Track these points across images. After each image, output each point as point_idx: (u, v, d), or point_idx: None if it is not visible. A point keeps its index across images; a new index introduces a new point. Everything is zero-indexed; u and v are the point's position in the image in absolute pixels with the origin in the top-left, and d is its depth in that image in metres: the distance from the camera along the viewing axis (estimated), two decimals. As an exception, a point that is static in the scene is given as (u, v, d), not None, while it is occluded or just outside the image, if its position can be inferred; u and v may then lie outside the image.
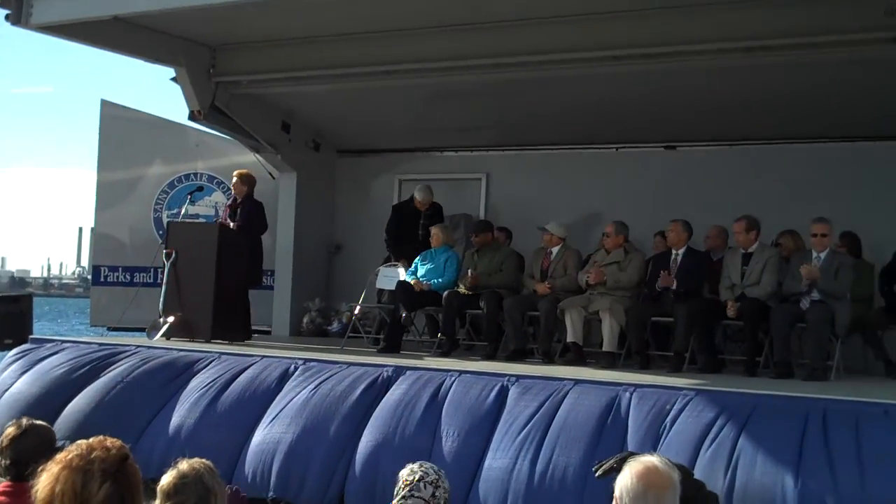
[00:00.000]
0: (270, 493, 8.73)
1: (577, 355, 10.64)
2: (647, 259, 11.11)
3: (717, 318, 10.29)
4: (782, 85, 11.59)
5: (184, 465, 4.00)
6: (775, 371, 9.67)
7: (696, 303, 10.24)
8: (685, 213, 11.18)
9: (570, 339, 10.70)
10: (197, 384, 9.73)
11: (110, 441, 3.13)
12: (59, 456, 3.08)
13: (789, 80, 11.50)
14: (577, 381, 8.61)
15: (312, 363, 9.69)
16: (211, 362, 10.09)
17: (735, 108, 12.15)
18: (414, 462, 4.73)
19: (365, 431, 8.67)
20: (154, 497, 4.02)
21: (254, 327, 13.55)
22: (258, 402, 9.32)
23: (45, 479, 3.03)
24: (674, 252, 10.71)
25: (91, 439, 3.13)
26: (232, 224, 12.34)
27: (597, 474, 4.63)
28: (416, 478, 4.41)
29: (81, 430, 9.31)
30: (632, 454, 4.28)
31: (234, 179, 12.63)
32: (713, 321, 10.33)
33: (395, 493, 4.54)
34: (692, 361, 10.18)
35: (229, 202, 12.58)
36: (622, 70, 11.71)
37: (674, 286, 10.39)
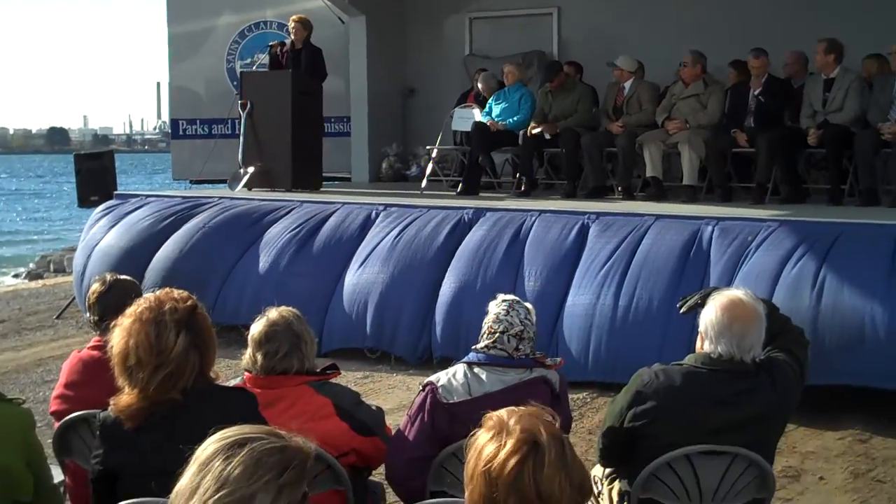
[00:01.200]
0: (366, 344, 8.91)
1: (657, 190, 10.55)
2: (725, 89, 10.85)
3: (800, 147, 10.08)
4: None
5: (273, 313, 4.08)
6: (860, 199, 9.49)
7: (777, 132, 10.02)
8: (762, 41, 10.83)
9: (649, 173, 10.59)
10: (280, 230, 9.86)
11: (177, 293, 3.17)
12: (129, 310, 3.12)
13: None
14: (657, 216, 8.58)
15: (394, 208, 9.75)
16: (292, 210, 10.20)
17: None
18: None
19: (447, 275, 8.77)
20: (244, 343, 4.12)
21: (332, 174, 13.61)
22: (343, 248, 9.43)
23: (119, 333, 3.08)
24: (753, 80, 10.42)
25: (158, 292, 3.17)
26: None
27: (681, 310, 4.61)
28: (501, 329, 4.42)
29: (169, 276, 9.57)
30: (716, 289, 4.25)
31: (294, 24, 12.33)
32: (795, 150, 10.13)
33: (480, 337, 4.57)
34: (775, 192, 10.03)
35: (286, 48, 12.38)
36: None
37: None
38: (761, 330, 3.94)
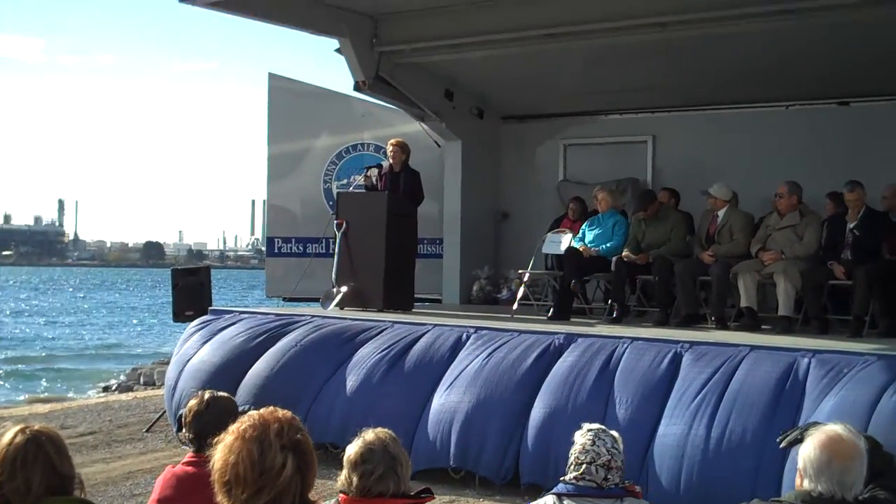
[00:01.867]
0: (451, 463, 8.84)
1: (751, 320, 10.40)
2: (822, 221, 10.75)
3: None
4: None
5: (369, 434, 4.07)
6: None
7: (875, 265, 9.87)
8: (859, 172, 10.76)
9: (743, 303, 10.47)
10: (371, 350, 9.89)
11: (282, 412, 3.15)
12: (233, 427, 3.11)
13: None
14: (752, 347, 8.45)
15: (484, 331, 9.74)
16: (383, 330, 10.24)
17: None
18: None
19: (537, 400, 8.69)
20: (333, 462, 4.10)
21: (423, 295, 13.69)
22: (433, 370, 9.42)
23: (221, 450, 3.07)
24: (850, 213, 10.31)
25: (262, 410, 3.16)
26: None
27: (781, 445, 4.52)
28: (588, 459, 4.38)
29: (261, 394, 9.66)
30: (816, 424, 4.16)
31: (393, 148, 12.51)
32: (894, 283, 9.95)
33: (567, 467, 4.52)
34: (872, 325, 9.84)
35: (384, 171, 12.58)
36: (791, 25, 11.35)
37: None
38: (862, 467, 3.82)
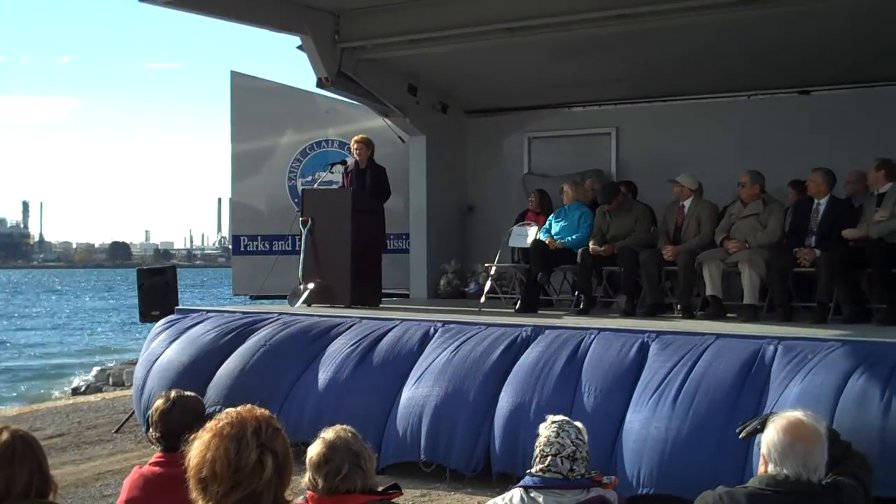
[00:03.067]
0: (421, 457, 8.85)
1: (717, 309, 10.49)
2: (785, 209, 10.85)
3: (862, 266, 10.00)
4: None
5: (329, 433, 4.04)
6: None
7: (838, 251, 9.96)
8: (821, 159, 10.85)
9: (709, 292, 10.55)
10: (339, 346, 9.89)
11: (259, 411, 3.16)
12: (210, 424, 3.11)
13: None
14: (718, 335, 8.52)
15: (452, 325, 9.76)
16: (351, 326, 10.24)
17: (868, 48, 11.76)
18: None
19: (503, 390, 8.72)
20: (303, 461, 4.09)
21: (391, 291, 13.68)
22: (401, 365, 9.43)
23: (197, 446, 3.07)
24: (815, 201, 10.40)
25: (240, 408, 3.16)
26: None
27: (740, 435, 4.56)
28: (553, 451, 4.41)
29: (231, 394, 9.68)
30: (775, 414, 4.21)
31: (357, 145, 12.56)
32: (857, 269, 10.05)
33: (533, 460, 4.54)
34: (837, 312, 9.94)
35: (350, 168, 12.60)
36: (752, 14, 11.40)
37: (817, 255, 10.05)
38: (824, 451, 3.88)
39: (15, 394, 23.22)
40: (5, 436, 3.51)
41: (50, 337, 42.15)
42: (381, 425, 9.03)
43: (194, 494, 3.05)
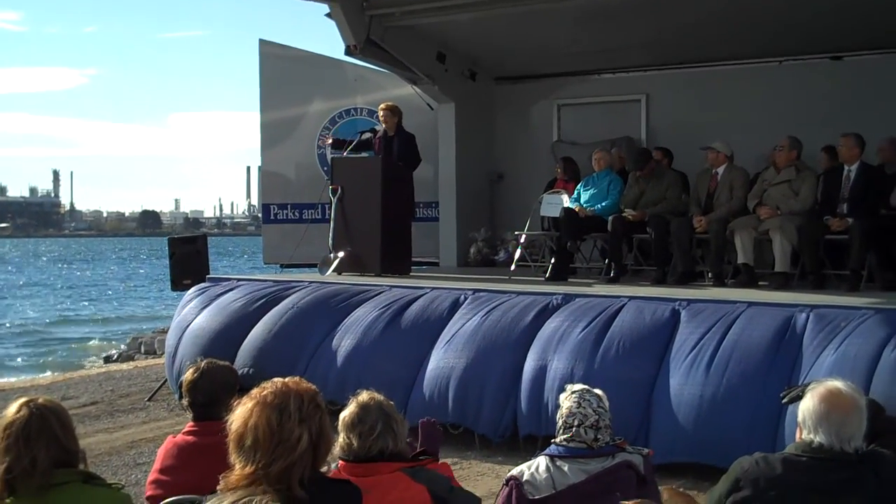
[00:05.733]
0: (448, 419, 8.88)
1: (748, 277, 10.43)
2: (817, 175, 10.75)
3: (894, 233, 9.91)
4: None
5: (363, 395, 4.10)
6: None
7: (871, 219, 9.87)
8: (853, 126, 10.73)
9: (740, 260, 10.49)
10: (367, 310, 9.93)
11: (306, 384, 3.17)
12: (254, 391, 3.12)
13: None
14: (750, 303, 8.48)
15: (481, 293, 9.76)
16: (381, 293, 10.27)
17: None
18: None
19: (529, 354, 8.73)
20: (332, 419, 4.11)
21: (421, 259, 13.68)
22: (429, 331, 9.45)
23: (240, 412, 3.08)
24: (846, 168, 10.29)
25: (287, 379, 3.17)
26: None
27: (784, 401, 4.56)
28: (576, 422, 4.42)
29: (260, 357, 9.82)
30: (817, 381, 4.19)
31: (384, 112, 12.55)
32: (890, 237, 9.96)
33: (556, 430, 4.55)
34: (869, 279, 9.87)
35: (379, 135, 12.60)
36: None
37: (849, 223, 9.95)
38: (861, 422, 3.86)
39: (48, 360, 23.47)
40: (23, 412, 3.54)
41: (83, 308, 42.41)
42: (407, 388, 9.08)
43: (234, 458, 3.06)
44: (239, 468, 3.03)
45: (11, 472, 3.46)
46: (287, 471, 3.00)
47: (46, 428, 3.52)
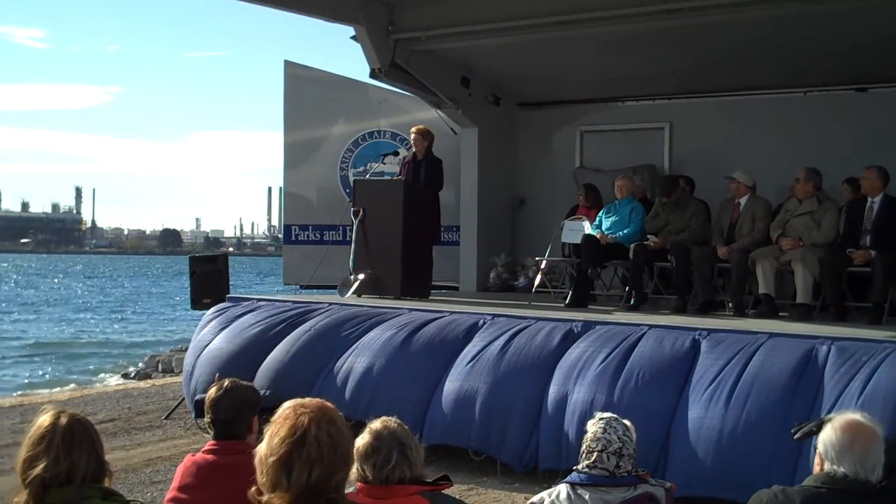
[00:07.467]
0: (471, 444, 8.84)
1: (769, 307, 10.38)
2: (840, 207, 10.71)
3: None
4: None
5: (376, 423, 4.06)
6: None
7: (894, 252, 9.81)
8: (877, 158, 10.70)
9: (761, 290, 10.45)
10: (382, 330, 9.90)
11: (329, 406, 3.16)
12: (287, 410, 3.10)
13: None
14: (771, 334, 8.43)
15: (500, 318, 9.73)
16: (399, 315, 10.25)
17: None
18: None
19: (551, 387, 8.68)
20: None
21: (441, 283, 13.68)
22: (445, 354, 9.40)
23: (287, 428, 3.05)
24: (869, 200, 10.24)
25: (313, 400, 3.16)
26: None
27: (795, 436, 4.52)
28: (599, 447, 4.39)
29: (277, 378, 9.80)
30: (830, 416, 4.17)
31: (415, 136, 12.52)
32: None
33: (579, 456, 4.53)
34: (892, 313, 9.80)
35: (408, 158, 12.61)
36: (808, 9, 11.29)
37: (871, 256, 9.92)
38: (881, 452, 3.85)
39: (69, 375, 23.52)
40: (64, 420, 3.53)
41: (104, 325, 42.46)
42: (422, 409, 9.04)
43: (259, 478, 3.05)
44: (284, 485, 2.99)
45: (46, 477, 3.44)
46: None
47: (87, 437, 3.52)
